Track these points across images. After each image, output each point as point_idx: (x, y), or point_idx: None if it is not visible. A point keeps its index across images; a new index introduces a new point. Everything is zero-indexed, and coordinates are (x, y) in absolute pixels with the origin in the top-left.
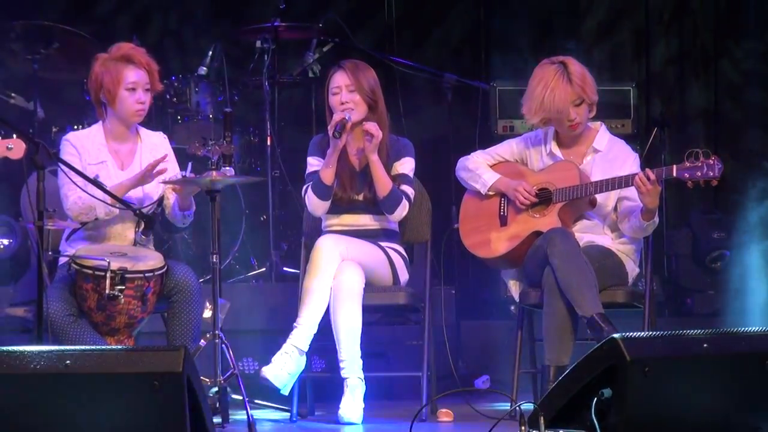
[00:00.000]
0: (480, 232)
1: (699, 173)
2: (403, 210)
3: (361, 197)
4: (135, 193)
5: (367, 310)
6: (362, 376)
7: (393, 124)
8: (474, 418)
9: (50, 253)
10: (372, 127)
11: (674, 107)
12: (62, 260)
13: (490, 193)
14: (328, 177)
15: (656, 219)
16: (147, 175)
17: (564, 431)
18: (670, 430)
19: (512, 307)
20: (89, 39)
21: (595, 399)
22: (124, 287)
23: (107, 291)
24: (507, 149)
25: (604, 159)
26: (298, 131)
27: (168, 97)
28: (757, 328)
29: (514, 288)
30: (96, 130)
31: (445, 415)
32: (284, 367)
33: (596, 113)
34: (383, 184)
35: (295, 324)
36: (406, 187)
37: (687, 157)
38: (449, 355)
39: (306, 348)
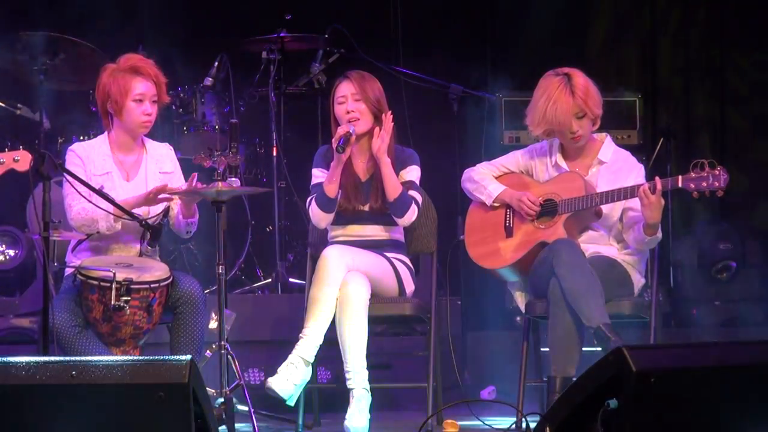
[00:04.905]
0: (485, 243)
1: (704, 184)
2: (412, 214)
3: (366, 208)
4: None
5: (372, 320)
6: (368, 387)
7: (399, 134)
8: (480, 429)
9: (56, 263)
10: (387, 120)
11: (680, 118)
12: (68, 271)
13: (496, 204)
14: (331, 190)
15: (659, 235)
16: (152, 199)
17: None
18: None
19: (518, 318)
20: (95, 50)
21: (601, 410)
22: (129, 298)
23: (113, 302)
24: (512, 160)
25: (609, 170)
26: (303, 142)
27: (174, 107)
28: (764, 338)
29: (519, 299)
30: (101, 140)
31: (450, 426)
32: (290, 378)
33: (602, 124)
34: (393, 187)
35: (300, 335)
36: (414, 193)
37: (692, 168)
38: (455, 366)
39: (312, 359)
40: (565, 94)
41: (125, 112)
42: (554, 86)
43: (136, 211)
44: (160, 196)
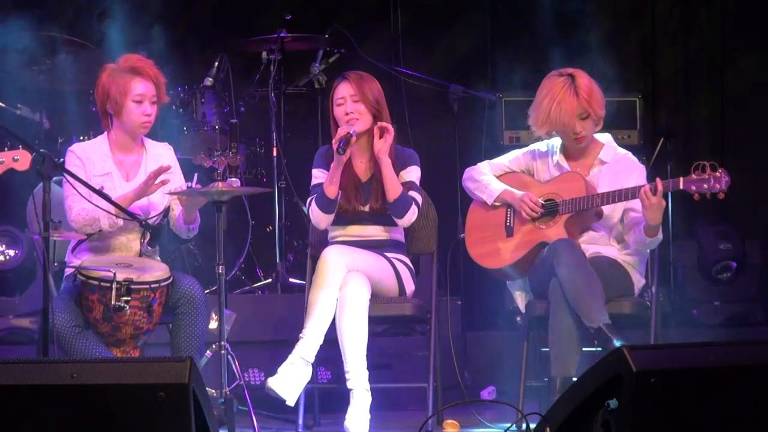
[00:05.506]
0: (486, 242)
1: (706, 186)
2: (412, 215)
3: (366, 208)
4: (141, 204)
5: (373, 321)
6: (368, 387)
7: (399, 135)
8: (480, 429)
9: (56, 264)
10: (385, 124)
11: (680, 118)
12: (68, 271)
13: (497, 203)
14: (331, 191)
15: (659, 236)
16: (150, 185)
17: None
18: None
19: (518, 318)
20: (95, 50)
21: (601, 410)
22: (129, 298)
23: (113, 302)
24: (514, 160)
25: (610, 171)
26: (304, 142)
27: (174, 107)
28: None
29: (520, 299)
30: (101, 141)
31: (450, 426)
32: (290, 378)
33: (603, 124)
34: (393, 187)
35: (301, 335)
36: (414, 194)
37: (694, 170)
38: (455, 366)
39: (312, 359)
40: (569, 95)
41: (125, 112)
42: (558, 87)
43: (136, 211)
44: (158, 181)
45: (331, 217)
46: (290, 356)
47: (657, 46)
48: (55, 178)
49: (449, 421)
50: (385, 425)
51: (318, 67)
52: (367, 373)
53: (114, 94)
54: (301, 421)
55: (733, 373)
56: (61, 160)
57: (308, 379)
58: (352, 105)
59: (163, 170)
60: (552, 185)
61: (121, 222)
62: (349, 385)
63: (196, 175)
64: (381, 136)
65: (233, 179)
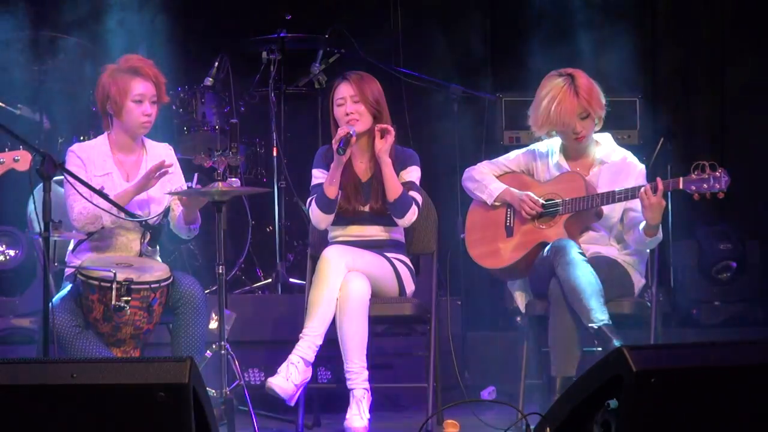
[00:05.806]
0: (486, 242)
1: (705, 185)
2: (412, 215)
3: (366, 208)
4: (141, 204)
5: (373, 321)
6: (368, 387)
7: (399, 135)
8: (480, 429)
9: (56, 264)
10: (385, 125)
11: (680, 118)
12: (68, 271)
13: (497, 203)
14: (331, 192)
15: (659, 235)
16: (150, 179)
17: None
18: None
19: (518, 318)
20: (95, 50)
21: (601, 410)
22: (130, 298)
23: (113, 302)
24: (513, 160)
25: (610, 170)
26: (304, 142)
27: (174, 107)
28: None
29: (520, 299)
30: (101, 141)
31: (451, 426)
32: (290, 378)
33: (603, 124)
34: (394, 187)
35: (301, 335)
36: (414, 194)
37: (693, 170)
38: (455, 366)
39: (312, 359)
40: (569, 95)
41: (125, 112)
42: (558, 87)
43: (136, 210)
44: (157, 174)
45: (331, 217)
46: (290, 356)
47: (657, 46)
48: (55, 178)
49: (449, 421)
50: (385, 425)
51: (318, 67)
52: (367, 373)
53: (114, 94)
54: (301, 421)
55: (733, 373)
56: (61, 160)
57: (308, 379)
58: (352, 105)
59: (164, 165)
60: (552, 185)
61: (123, 215)
62: (349, 385)
63: (196, 175)
64: (382, 137)
65: (233, 179)
